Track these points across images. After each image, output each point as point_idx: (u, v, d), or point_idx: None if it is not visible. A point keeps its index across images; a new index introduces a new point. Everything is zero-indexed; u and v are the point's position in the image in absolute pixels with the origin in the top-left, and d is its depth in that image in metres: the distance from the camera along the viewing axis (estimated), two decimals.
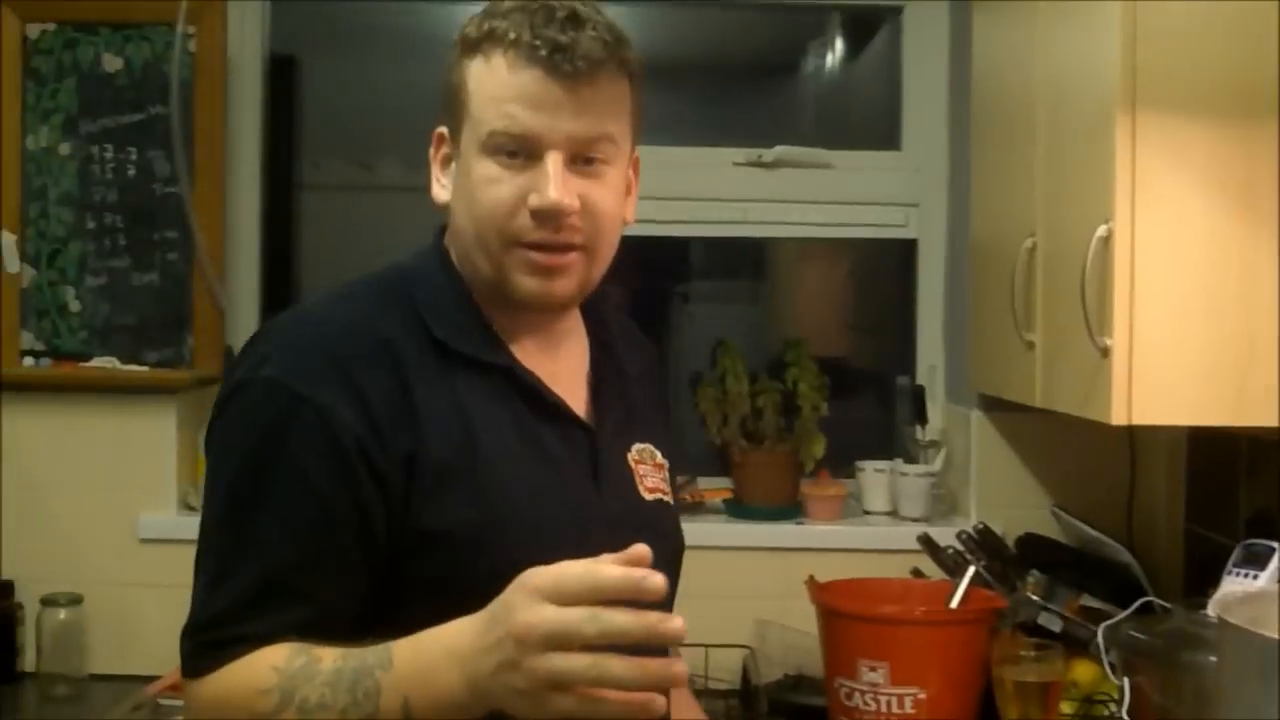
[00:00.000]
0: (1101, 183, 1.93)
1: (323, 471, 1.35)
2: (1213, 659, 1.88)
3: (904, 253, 3.14)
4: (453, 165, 1.50)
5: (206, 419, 2.85)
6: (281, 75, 3.14)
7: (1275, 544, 2.01)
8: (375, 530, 1.37)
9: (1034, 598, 2.32)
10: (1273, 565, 1.98)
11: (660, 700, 1.19)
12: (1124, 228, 1.89)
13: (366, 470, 1.36)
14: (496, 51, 1.42)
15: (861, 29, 3.31)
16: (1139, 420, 1.91)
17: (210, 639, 1.33)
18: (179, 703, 2.63)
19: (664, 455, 1.64)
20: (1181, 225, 1.89)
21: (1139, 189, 1.88)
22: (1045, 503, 2.78)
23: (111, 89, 2.87)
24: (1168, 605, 2.28)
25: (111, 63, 2.86)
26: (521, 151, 1.42)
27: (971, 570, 2.37)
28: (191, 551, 2.87)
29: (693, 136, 3.07)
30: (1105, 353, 1.92)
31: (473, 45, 1.44)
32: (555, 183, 1.41)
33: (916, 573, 2.64)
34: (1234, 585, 1.98)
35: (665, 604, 1.25)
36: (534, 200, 1.41)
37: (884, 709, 2.26)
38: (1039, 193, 2.23)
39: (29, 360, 2.86)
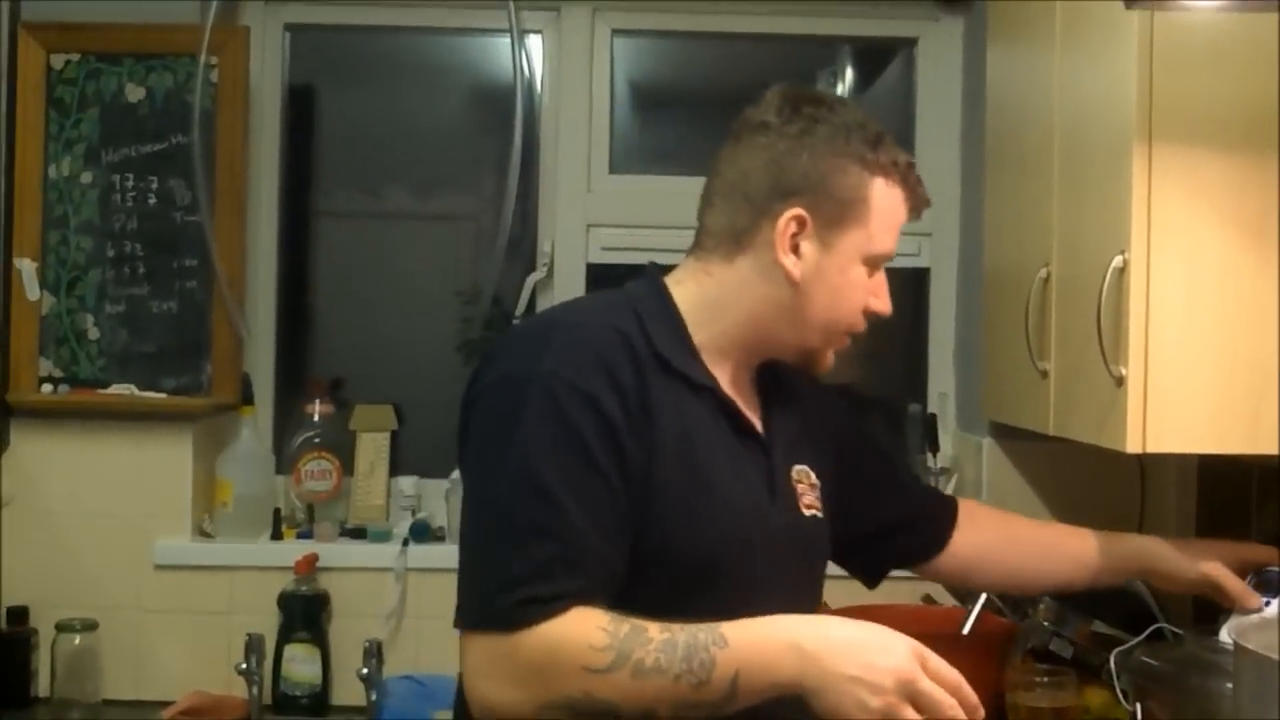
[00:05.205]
0: (1117, 214, 1.94)
1: (601, 449, 1.53)
2: (1226, 685, 1.89)
3: (913, 281, 3.16)
4: (802, 247, 1.68)
5: (223, 446, 2.88)
6: (299, 104, 3.17)
7: None
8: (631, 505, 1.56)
9: (1045, 624, 2.33)
10: None
11: None
12: (1139, 258, 1.90)
13: (625, 451, 1.55)
14: (897, 185, 1.71)
15: (871, 60, 3.33)
16: (1153, 449, 1.92)
17: (532, 594, 1.45)
18: None
19: (818, 475, 1.81)
20: (1196, 256, 1.90)
21: (1155, 220, 1.89)
22: None
23: (134, 118, 2.89)
24: (1179, 632, 2.29)
25: (134, 92, 2.89)
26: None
27: (983, 596, 2.38)
28: (206, 578, 2.92)
29: (702, 167, 3.10)
30: (1120, 382, 1.93)
31: (880, 168, 1.70)
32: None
33: (928, 599, 2.64)
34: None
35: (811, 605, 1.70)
36: (879, 306, 1.76)
37: None
38: (1055, 223, 2.24)
39: (47, 387, 2.88)
